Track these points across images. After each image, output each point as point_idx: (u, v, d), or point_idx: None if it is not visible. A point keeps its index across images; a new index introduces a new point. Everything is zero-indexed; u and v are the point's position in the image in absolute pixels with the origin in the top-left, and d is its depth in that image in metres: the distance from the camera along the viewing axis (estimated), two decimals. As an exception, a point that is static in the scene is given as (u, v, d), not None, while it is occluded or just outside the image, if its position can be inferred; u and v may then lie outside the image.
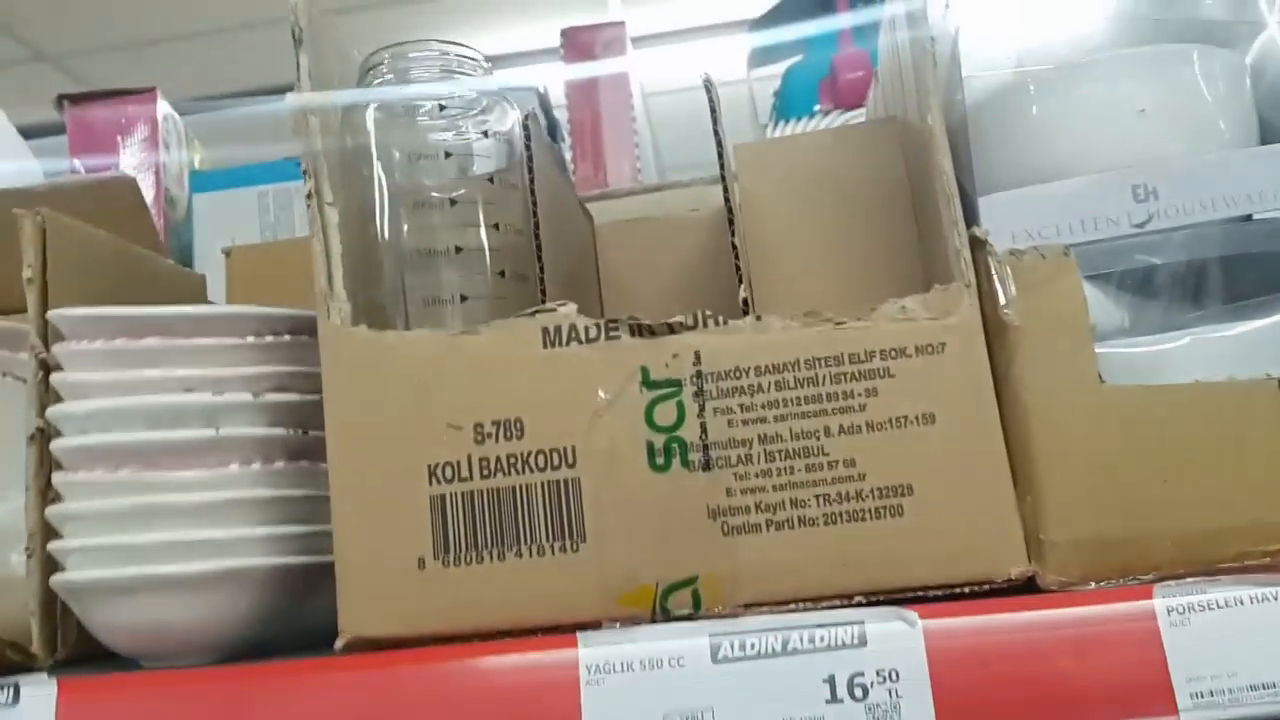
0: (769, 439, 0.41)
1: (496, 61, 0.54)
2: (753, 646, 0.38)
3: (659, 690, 0.38)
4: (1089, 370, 0.41)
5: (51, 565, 0.45)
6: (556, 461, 0.42)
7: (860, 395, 0.41)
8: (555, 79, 1.07)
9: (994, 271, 0.42)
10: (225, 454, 0.44)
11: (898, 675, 0.38)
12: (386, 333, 0.43)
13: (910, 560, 0.40)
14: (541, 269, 0.46)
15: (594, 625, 0.40)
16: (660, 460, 0.42)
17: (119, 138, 1.03)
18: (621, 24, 1.10)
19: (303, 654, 0.42)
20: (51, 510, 0.45)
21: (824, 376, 0.42)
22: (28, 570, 0.46)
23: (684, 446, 0.42)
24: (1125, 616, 0.38)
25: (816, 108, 1.11)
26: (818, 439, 0.41)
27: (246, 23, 2.16)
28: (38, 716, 0.40)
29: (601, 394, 0.42)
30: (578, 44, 1.08)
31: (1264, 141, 0.49)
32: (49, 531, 0.45)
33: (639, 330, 0.42)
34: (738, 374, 0.42)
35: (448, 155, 0.50)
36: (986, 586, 0.40)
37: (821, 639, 0.38)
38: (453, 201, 0.49)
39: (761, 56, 1.26)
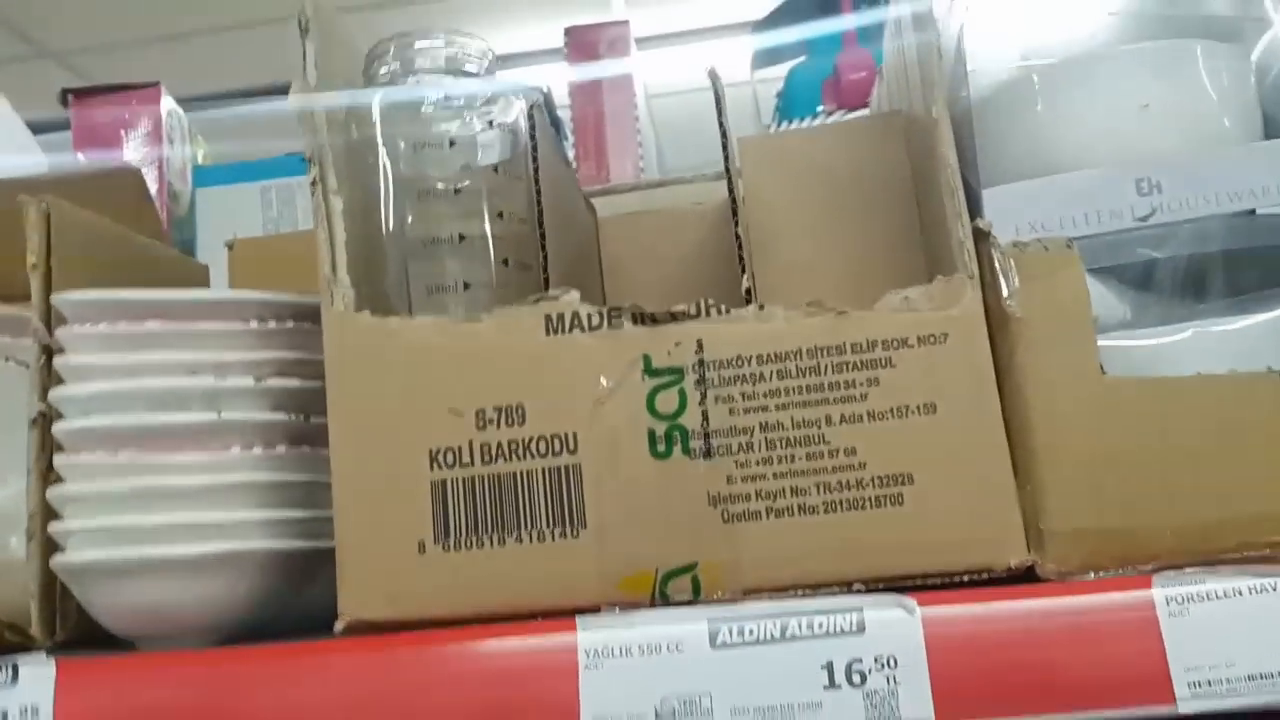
0: (770, 427, 0.41)
1: (501, 61, 0.54)
2: (751, 632, 0.38)
3: (657, 675, 0.38)
4: (1091, 362, 0.41)
5: (51, 547, 0.45)
6: (558, 448, 0.42)
7: (862, 385, 0.41)
8: (559, 79, 1.08)
9: (997, 263, 0.42)
10: (226, 438, 0.44)
11: (896, 662, 0.38)
12: (390, 319, 0.43)
13: (910, 549, 0.40)
14: (545, 258, 0.46)
15: (593, 610, 0.40)
16: (661, 448, 0.42)
17: (123, 132, 1.03)
18: (625, 23, 1.10)
19: (301, 638, 0.42)
20: (52, 492, 0.45)
21: (826, 366, 0.42)
22: (28, 553, 0.46)
23: (685, 434, 0.42)
24: (1124, 606, 0.38)
25: (820, 108, 1.11)
26: (819, 428, 0.41)
27: (252, 21, 2.16)
28: (36, 696, 0.40)
29: (603, 381, 0.42)
30: (581, 42, 1.08)
31: (1268, 137, 0.49)
32: (49, 514, 0.45)
33: (641, 318, 0.42)
34: (740, 363, 0.42)
35: (452, 144, 0.50)
36: (986, 576, 0.40)
37: (820, 626, 0.38)
38: (457, 190, 0.49)
39: (765, 58, 1.27)
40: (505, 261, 0.49)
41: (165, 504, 0.43)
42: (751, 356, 0.42)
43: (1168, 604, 0.38)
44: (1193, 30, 0.50)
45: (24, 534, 0.46)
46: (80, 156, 1.02)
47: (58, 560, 0.44)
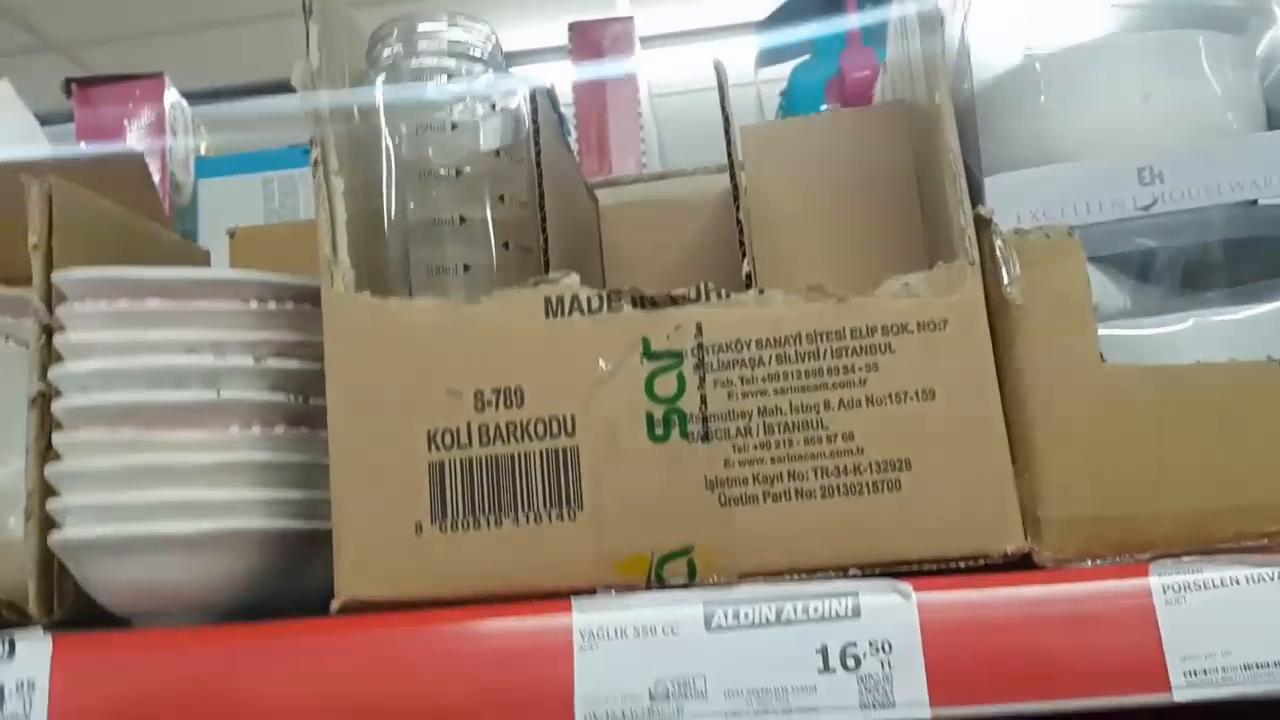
0: (768, 412, 0.41)
1: (505, 59, 0.54)
2: (746, 616, 0.38)
3: (651, 657, 0.38)
4: (1090, 350, 0.41)
5: (49, 525, 0.45)
6: (556, 430, 0.42)
7: (861, 370, 0.41)
8: (563, 78, 1.08)
9: (998, 250, 0.42)
10: (225, 417, 0.44)
11: (890, 647, 0.38)
12: (389, 299, 0.43)
13: (907, 534, 0.40)
14: (545, 241, 0.46)
15: (589, 592, 0.40)
16: (659, 431, 0.42)
17: (126, 122, 1.03)
18: (630, 19, 1.10)
19: (299, 618, 0.42)
20: (50, 469, 0.45)
21: (825, 351, 0.42)
22: (26, 531, 0.46)
23: (683, 418, 0.42)
24: (1120, 594, 0.38)
25: (823, 107, 1.11)
26: (817, 413, 0.41)
27: (256, 16, 2.16)
28: (33, 670, 0.40)
29: (602, 364, 0.42)
30: (586, 38, 1.09)
31: (1271, 130, 0.49)
32: (48, 492, 0.45)
33: (641, 302, 0.42)
34: (739, 347, 0.42)
35: (454, 127, 0.50)
36: (982, 562, 0.40)
37: (815, 610, 0.38)
38: (458, 173, 0.49)
39: (769, 57, 1.26)
40: (506, 244, 0.49)
41: (163, 482, 0.43)
42: (751, 341, 0.42)
43: (1164, 592, 0.38)
44: (1196, 21, 0.50)
45: (23, 513, 0.46)
46: (83, 147, 1.02)
47: (55, 537, 0.44)
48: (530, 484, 0.42)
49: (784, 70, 1.23)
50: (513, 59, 0.54)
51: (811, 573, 0.40)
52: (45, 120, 0.96)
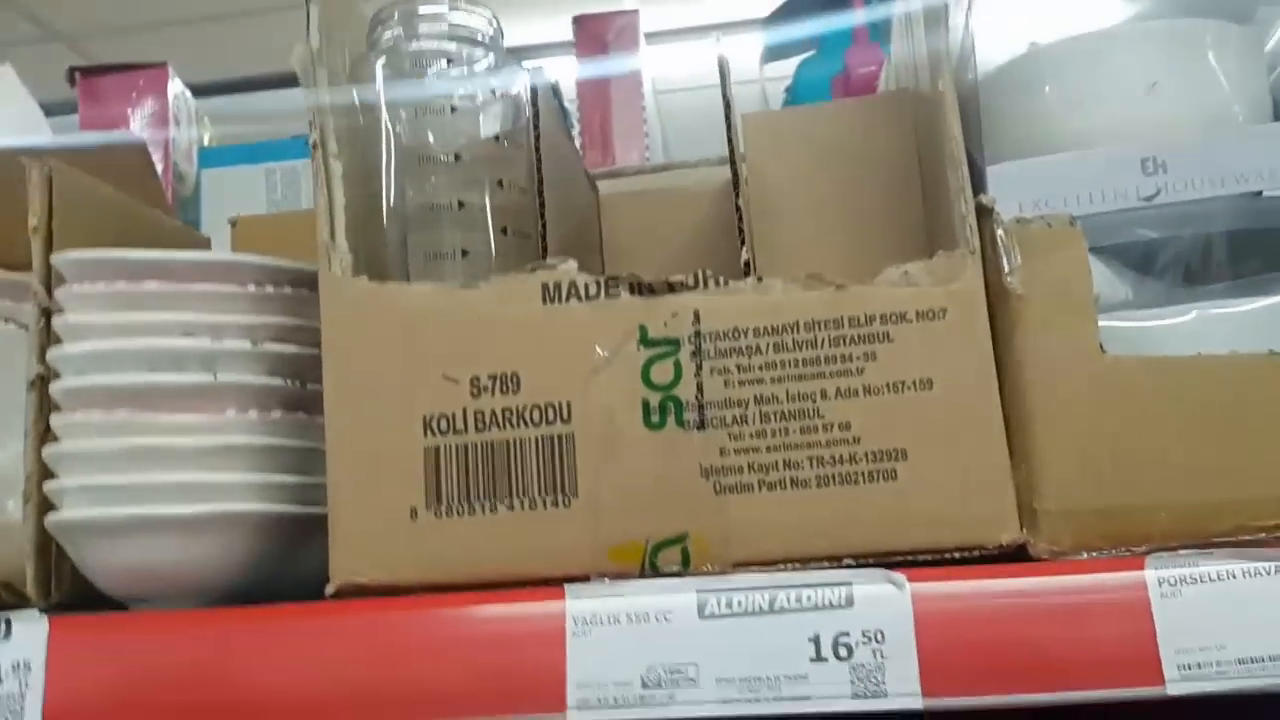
0: (765, 400, 0.41)
1: (509, 54, 0.54)
2: (739, 604, 0.38)
3: (644, 644, 0.38)
4: (1090, 341, 0.41)
5: (47, 508, 0.45)
6: (551, 416, 0.42)
7: (858, 359, 0.41)
8: (566, 73, 1.07)
9: (999, 240, 0.41)
10: (222, 400, 0.44)
11: (883, 636, 0.37)
12: (387, 284, 0.43)
13: (902, 524, 0.40)
14: (543, 227, 0.46)
15: (583, 579, 0.40)
16: (655, 418, 0.42)
17: (129, 111, 1.03)
18: (635, 12, 1.10)
19: (294, 602, 0.42)
20: (48, 450, 0.45)
21: (823, 339, 0.41)
22: (24, 513, 0.46)
23: (680, 405, 0.42)
24: (1116, 586, 0.38)
25: (828, 103, 1.11)
26: (814, 401, 0.41)
27: (259, 8, 2.16)
28: (29, 651, 0.40)
29: (599, 351, 0.42)
30: (590, 31, 1.08)
31: (1278, 121, 0.49)
32: (45, 474, 0.45)
33: (638, 288, 0.42)
34: (736, 335, 0.42)
35: (454, 111, 0.50)
36: (978, 553, 0.40)
37: (808, 599, 0.38)
38: (457, 157, 0.49)
39: (774, 53, 1.26)
40: (504, 230, 0.49)
41: (159, 464, 0.43)
42: (748, 329, 0.42)
43: (1160, 585, 0.38)
44: (1204, 11, 0.49)
45: (21, 496, 0.46)
46: (87, 135, 1.02)
47: (52, 518, 0.44)
48: (525, 470, 0.41)
49: (789, 66, 1.23)
50: (517, 53, 0.54)
51: (806, 562, 0.40)
52: (48, 111, 0.96)
